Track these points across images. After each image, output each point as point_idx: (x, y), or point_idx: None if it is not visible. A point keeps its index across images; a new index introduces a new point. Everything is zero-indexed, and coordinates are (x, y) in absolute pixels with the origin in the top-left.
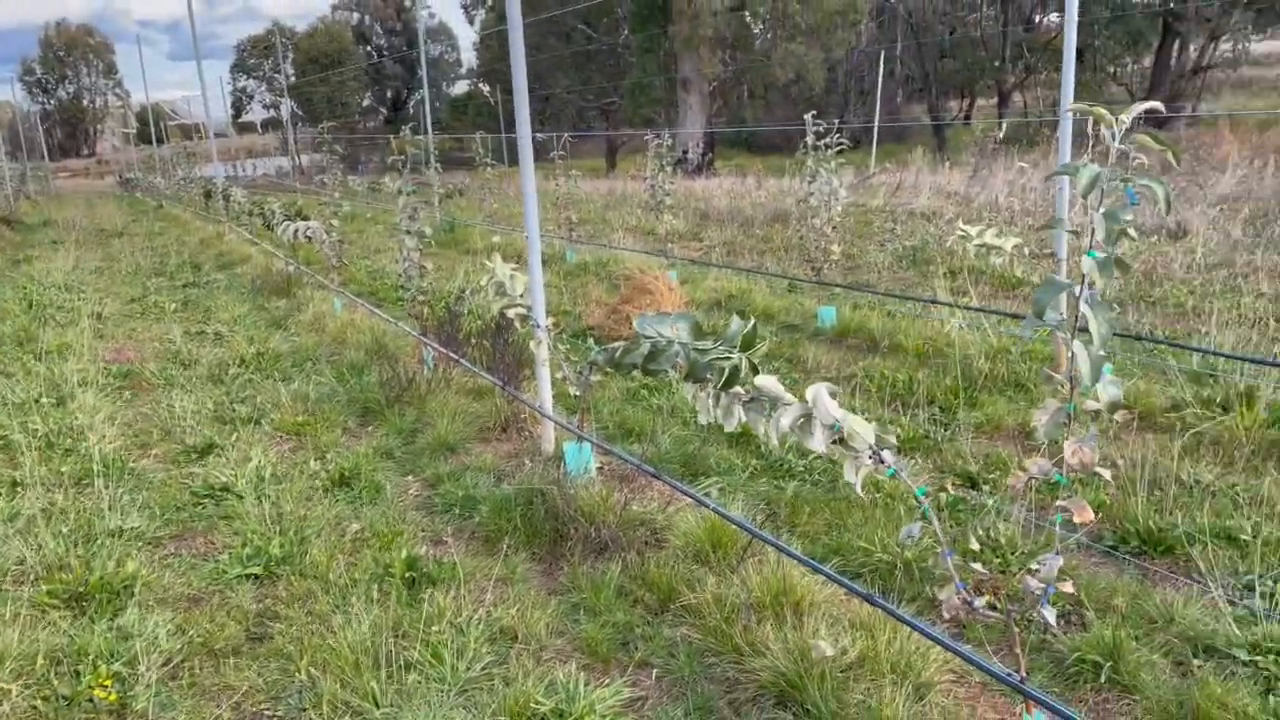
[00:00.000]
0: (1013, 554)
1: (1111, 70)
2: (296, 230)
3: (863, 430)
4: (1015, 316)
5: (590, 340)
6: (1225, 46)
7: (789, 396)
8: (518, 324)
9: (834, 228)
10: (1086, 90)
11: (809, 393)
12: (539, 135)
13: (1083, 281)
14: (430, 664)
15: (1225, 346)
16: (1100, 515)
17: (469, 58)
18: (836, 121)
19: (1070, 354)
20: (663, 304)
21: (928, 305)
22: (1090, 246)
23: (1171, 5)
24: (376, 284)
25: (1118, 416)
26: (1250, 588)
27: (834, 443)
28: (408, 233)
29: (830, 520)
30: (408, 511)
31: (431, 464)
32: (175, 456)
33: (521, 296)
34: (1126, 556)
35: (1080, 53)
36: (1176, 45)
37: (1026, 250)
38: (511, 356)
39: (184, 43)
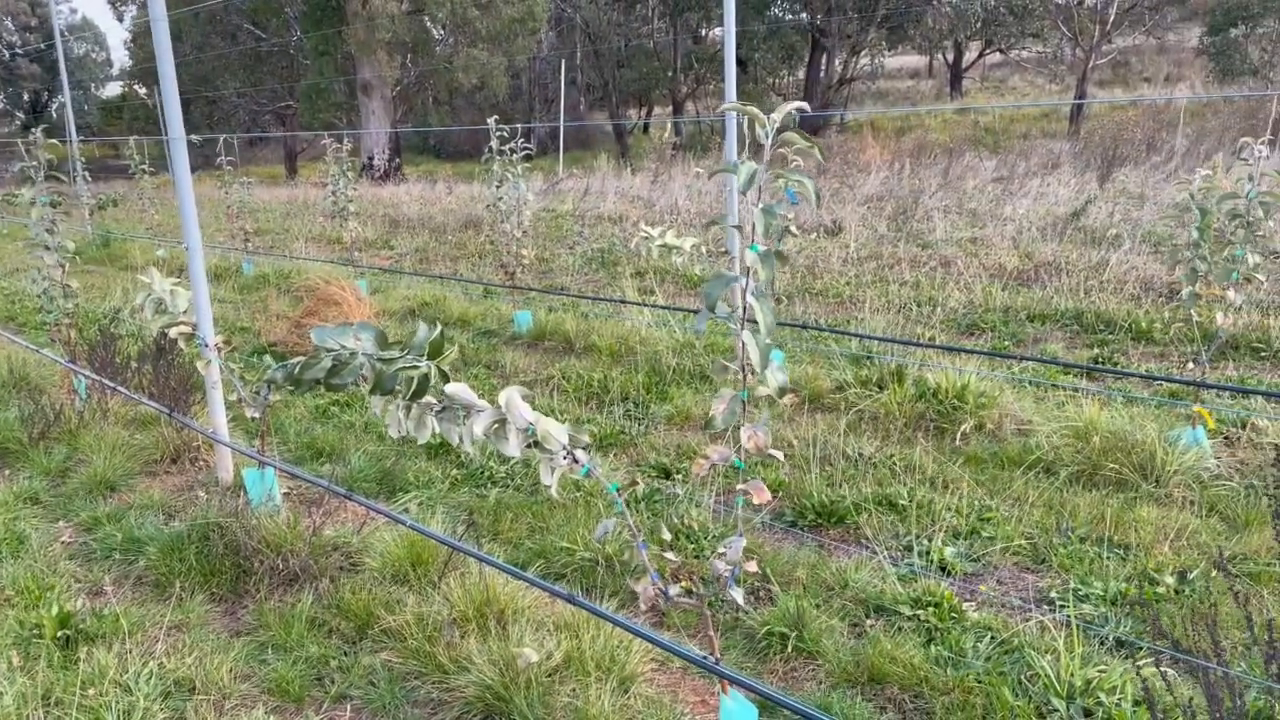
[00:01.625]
0: (705, 539)
1: (771, 81)
2: None
3: (556, 431)
4: (696, 312)
5: (271, 358)
6: (865, 61)
7: (481, 403)
8: (182, 344)
9: (525, 232)
10: (750, 98)
11: (501, 397)
12: (199, 138)
13: (747, 275)
14: None
15: (878, 331)
16: (780, 494)
17: (120, 57)
18: (520, 127)
19: (741, 344)
20: (352, 315)
21: (619, 305)
22: (752, 240)
23: (817, 21)
24: (15, 307)
25: (786, 400)
26: (909, 548)
27: (529, 446)
28: (46, 248)
29: (533, 524)
30: (59, 562)
31: (87, 506)
32: None
33: (185, 313)
34: (805, 530)
35: (743, 64)
36: (825, 59)
37: (704, 249)
38: (178, 380)
39: None
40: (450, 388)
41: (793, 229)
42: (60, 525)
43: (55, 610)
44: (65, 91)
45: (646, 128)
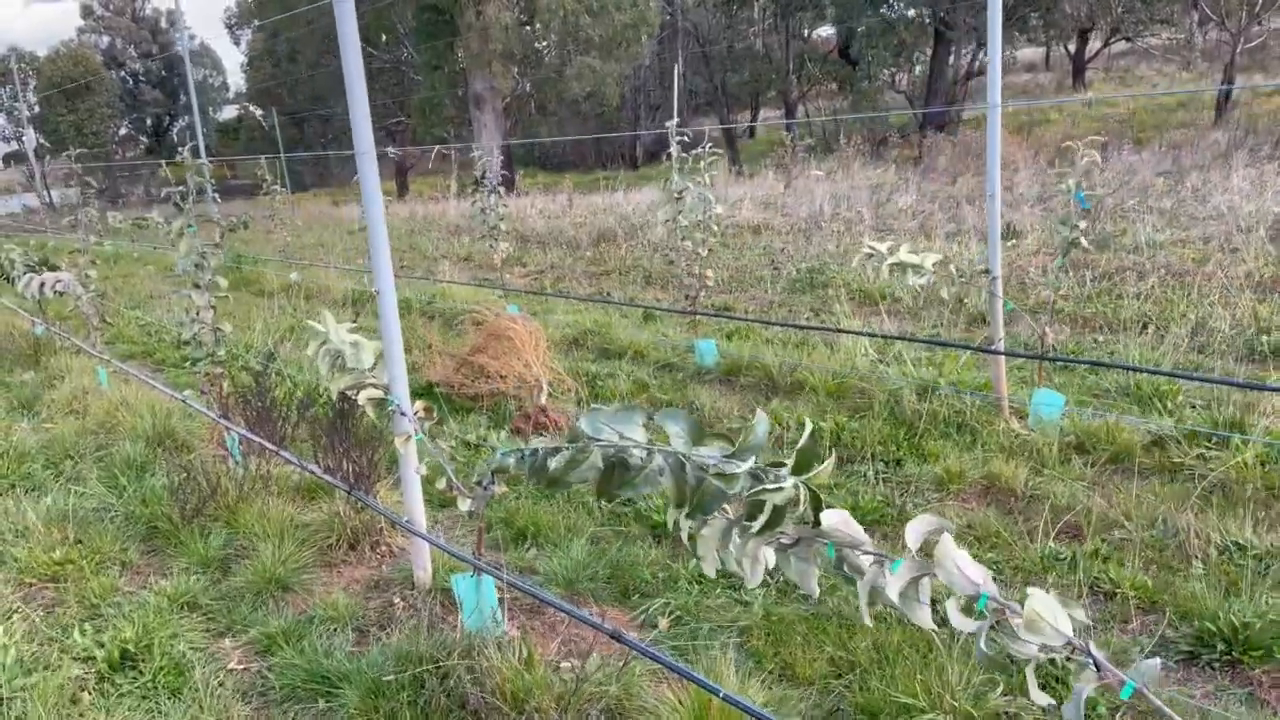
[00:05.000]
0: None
1: (890, 76)
2: (44, 284)
3: (1051, 614)
4: (939, 344)
5: (436, 400)
6: None
7: (867, 540)
8: (371, 411)
9: (710, 250)
10: (866, 98)
11: (911, 533)
12: (396, 151)
13: None
14: None
15: (1150, 361)
16: (1147, 600)
17: (236, 80)
18: (678, 123)
19: None
20: (523, 349)
21: (818, 333)
22: None
23: (941, 14)
24: (151, 341)
25: None
26: None
27: (993, 626)
28: (196, 286)
29: (834, 655)
30: (232, 706)
31: (257, 613)
32: None
33: (373, 370)
34: (1216, 667)
35: (854, 62)
36: (948, 53)
37: (954, 268)
38: (360, 451)
39: None
40: (830, 518)
41: (1083, 241)
42: (226, 644)
43: None
44: (195, 112)
45: (753, 131)
